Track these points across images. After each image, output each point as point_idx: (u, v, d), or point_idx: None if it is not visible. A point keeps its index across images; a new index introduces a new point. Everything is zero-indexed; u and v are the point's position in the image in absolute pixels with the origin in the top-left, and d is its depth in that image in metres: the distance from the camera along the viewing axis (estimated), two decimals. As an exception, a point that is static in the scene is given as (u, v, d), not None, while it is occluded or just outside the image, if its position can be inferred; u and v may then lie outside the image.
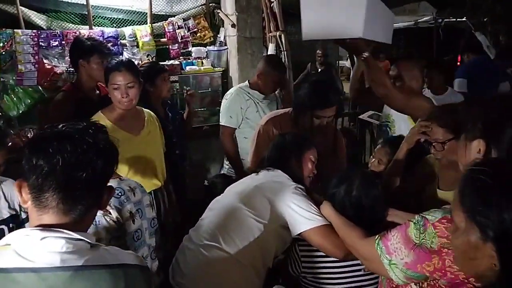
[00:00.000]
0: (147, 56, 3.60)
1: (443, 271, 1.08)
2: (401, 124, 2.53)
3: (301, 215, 1.61)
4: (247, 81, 3.00)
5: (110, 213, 1.44)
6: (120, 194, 1.54)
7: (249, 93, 2.88)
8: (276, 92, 3.08)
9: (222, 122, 2.90)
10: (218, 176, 3.10)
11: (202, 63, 3.85)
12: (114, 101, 2.11)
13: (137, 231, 1.56)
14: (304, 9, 2.00)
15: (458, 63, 6.39)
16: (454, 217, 0.96)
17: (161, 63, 3.31)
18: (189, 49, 3.87)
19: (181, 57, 3.85)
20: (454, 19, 7.64)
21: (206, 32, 3.91)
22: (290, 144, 1.89)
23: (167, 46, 3.79)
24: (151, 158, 2.24)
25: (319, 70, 5.76)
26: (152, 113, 2.35)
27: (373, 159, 2.22)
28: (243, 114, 2.83)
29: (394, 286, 1.29)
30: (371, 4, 1.93)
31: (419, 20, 7.94)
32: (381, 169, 2.11)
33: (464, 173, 0.96)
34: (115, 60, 2.32)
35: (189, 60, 3.84)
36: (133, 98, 2.09)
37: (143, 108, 2.32)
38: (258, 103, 2.87)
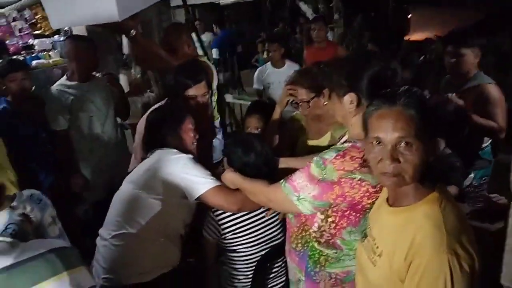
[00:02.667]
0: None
1: (343, 196, 1.36)
2: None
3: (194, 182, 1.72)
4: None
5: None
6: (13, 232, 1.27)
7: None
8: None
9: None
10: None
11: (50, 55, 3.59)
12: None
13: None
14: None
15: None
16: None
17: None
18: (31, 42, 3.56)
19: (23, 52, 3.53)
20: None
21: (47, 22, 3.63)
22: (162, 121, 1.91)
23: (3, 41, 3.43)
24: None
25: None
26: None
27: (249, 128, 2.44)
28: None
29: (303, 221, 1.56)
30: None
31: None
32: None
33: None
34: None
35: (33, 55, 3.54)
36: None
37: None
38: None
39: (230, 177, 1.75)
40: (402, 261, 1.10)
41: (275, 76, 3.85)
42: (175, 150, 1.83)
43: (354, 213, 1.42)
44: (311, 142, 2.22)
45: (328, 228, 1.49)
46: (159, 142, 1.87)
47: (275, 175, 1.79)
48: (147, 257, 1.70)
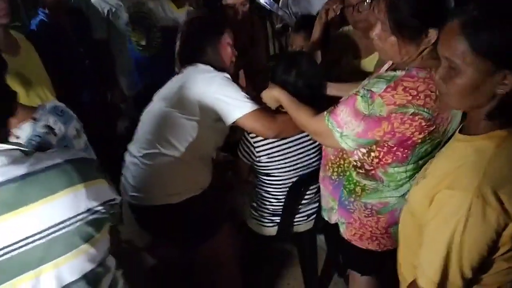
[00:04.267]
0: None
1: (392, 132, 1.23)
2: None
3: (231, 104, 1.61)
4: None
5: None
6: (37, 144, 1.25)
7: None
8: None
9: None
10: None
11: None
12: None
13: None
14: None
15: None
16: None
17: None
18: None
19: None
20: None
21: None
22: (199, 32, 1.74)
23: None
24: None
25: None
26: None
27: (294, 47, 2.27)
28: None
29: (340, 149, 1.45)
30: None
31: None
32: None
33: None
34: None
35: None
36: None
37: None
38: None
39: (276, 93, 1.61)
40: (433, 187, 1.00)
41: None
42: (210, 68, 1.69)
43: (402, 149, 1.29)
44: (356, 61, 2.03)
45: (370, 162, 1.37)
46: (193, 57, 1.73)
47: (319, 100, 1.67)
48: (177, 179, 1.67)
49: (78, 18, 2.64)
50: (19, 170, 0.82)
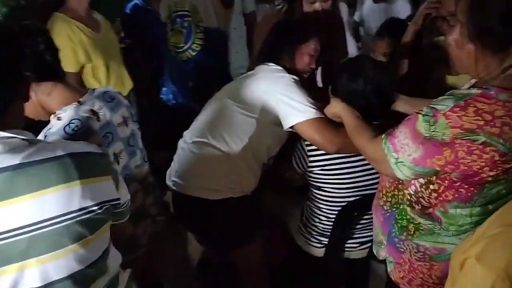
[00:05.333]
0: None
1: (455, 163, 1.01)
2: None
3: (293, 107, 1.53)
4: None
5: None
6: (76, 128, 1.21)
7: None
8: None
9: None
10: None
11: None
12: None
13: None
14: None
15: None
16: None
17: None
18: None
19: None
20: None
21: None
22: (282, 35, 1.72)
23: None
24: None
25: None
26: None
27: (375, 54, 2.07)
28: None
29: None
30: None
31: None
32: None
33: None
34: None
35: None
36: None
37: None
38: None
39: (337, 106, 1.47)
40: (468, 248, 0.78)
41: None
42: (281, 68, 1.63)
43: (466, 186, 1.06)
44: (450, 78, 1.77)
45: (428, 197, 1.15)
46: (269, 57, 1.69)
47: (388, 114, 1.48)
48: (219, 174, 1.60)
49: None
50: (14, 159, 0.80)
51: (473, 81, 1.22)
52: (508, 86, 0.97)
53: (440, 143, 1.00)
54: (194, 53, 2.39)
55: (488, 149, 0.96)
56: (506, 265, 0.69)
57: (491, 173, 1.00)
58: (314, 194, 1.67)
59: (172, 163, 1.74)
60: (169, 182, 1.70)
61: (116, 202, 0.94)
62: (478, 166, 0.99)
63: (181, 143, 1.73)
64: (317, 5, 1.89)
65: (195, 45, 2.38)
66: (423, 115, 1.05)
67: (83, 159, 0.88)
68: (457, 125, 0.97)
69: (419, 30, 1.80)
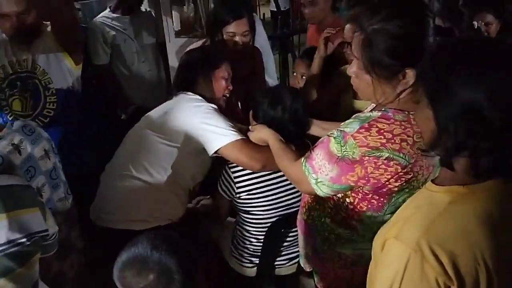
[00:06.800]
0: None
1: (366, 178, 1.13)
2: None
3: (215, 133, 1.56)
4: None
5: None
6: None
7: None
8: None
9: None
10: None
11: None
12: None
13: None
14: None
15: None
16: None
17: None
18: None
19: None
20: None
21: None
22: (195, 63, 1.75)
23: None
24: None
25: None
26: None
27: (295, 74, 2.21)
28: None
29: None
30: None
31: None
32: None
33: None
34: None
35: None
36: None
37: None
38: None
39: (263, 132, 1.55)
40: (386, 233, 0.91)
41: None
42: (199, 98, 1.68)
43: (377, 197, 1.19)
44: (356, 103, 1.94)
45: (345, 209, 1.27)
46: (186, 86, 1.73)
47: (304, 139, 1.60)
48: (145, 205, 1.60)
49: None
50: None
51: (373, 105, 1.40)
52: (403, 108, 1.13)
53: (351, 161, 1.12)
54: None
55: (392, 163, 1.10)
56: (418, 238, 0.81)
57: (396, 184, 1.14)
58: (243, 218, 1.72)
59: (96, 198, 1.70)
60: (93, 217, 1.66)
61: (45, 233, 0.93)
62: (385, 179, 1.12)
63: (102, 177, 1.71)
64: (237, 39, 1.99)
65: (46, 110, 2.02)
66: (334, 137, 1.17)
67: (7, 192, 0.87)
68: (364, 144, 1.10)
69: (327, 57, 1.96)
